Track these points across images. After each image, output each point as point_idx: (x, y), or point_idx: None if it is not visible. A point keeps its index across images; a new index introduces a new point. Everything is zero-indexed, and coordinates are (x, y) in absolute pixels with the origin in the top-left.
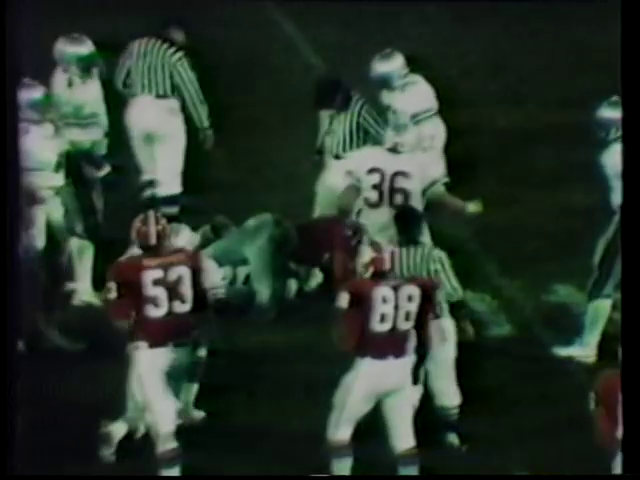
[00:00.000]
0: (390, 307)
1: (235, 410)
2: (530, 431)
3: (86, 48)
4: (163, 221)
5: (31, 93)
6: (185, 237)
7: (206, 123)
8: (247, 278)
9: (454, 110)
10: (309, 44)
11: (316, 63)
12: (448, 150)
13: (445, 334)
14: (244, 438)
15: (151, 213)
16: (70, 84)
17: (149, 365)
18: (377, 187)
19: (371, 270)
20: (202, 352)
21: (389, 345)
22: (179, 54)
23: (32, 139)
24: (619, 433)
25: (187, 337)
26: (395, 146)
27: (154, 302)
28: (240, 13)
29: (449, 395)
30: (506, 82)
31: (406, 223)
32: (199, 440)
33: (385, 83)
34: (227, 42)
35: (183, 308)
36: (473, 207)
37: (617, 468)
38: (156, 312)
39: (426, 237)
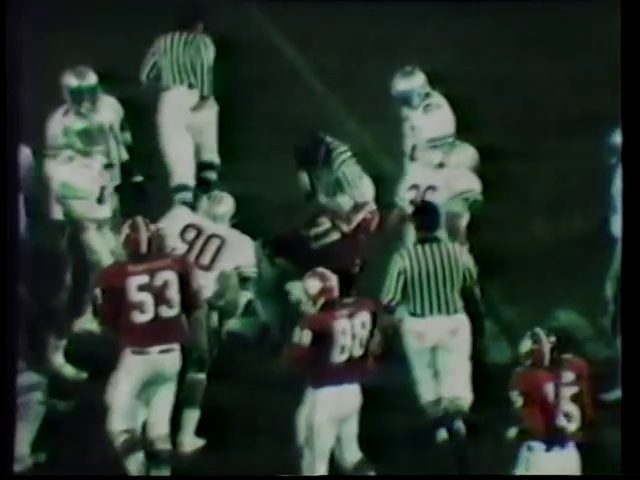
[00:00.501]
0: (348, 338)
1: (236, 437)
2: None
3: (77, 81)
4: (153, 227)
5: (77, 122)
6: (227, 205)
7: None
8: (249, 303)
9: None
10: (310, 69)
11: (317, 88)
12: None
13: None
14: (244, 464)
15: (140, 219)
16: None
17: (129, 368)
18: (413, 202)
19: (321, 301)
20: (201, 376)
21: (346, 373)
22: (206, 38)
23: (73, 168)
24: (559, 420)
25: (175, 341)
26: (441, 164)
27: (140, 307)
28: (241, 38)
29: (463, 387)
30: (506, 107)
31: (424, 219)
32: (198, 468)
33: (406, 101)
34: (228, 67)
35: (170, 313)
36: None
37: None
38: (142, 317)
39: (443, 232)
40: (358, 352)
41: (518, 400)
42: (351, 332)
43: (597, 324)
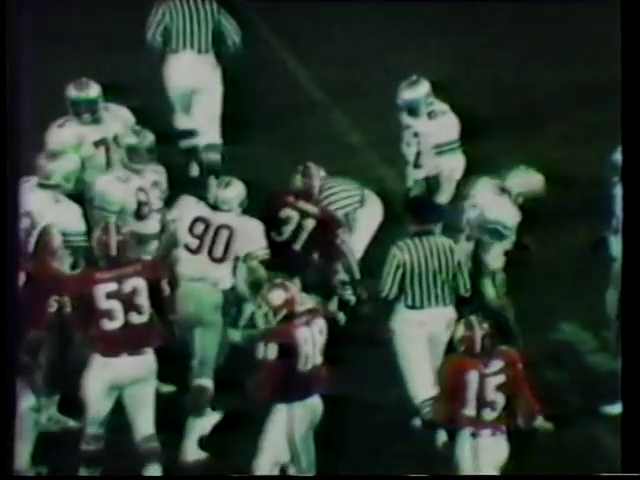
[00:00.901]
0: (310, 346)
1: (240, 450)
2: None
3: (77, 92)
4: (124, 230)
5: (128, 138)
6: (236, 189)
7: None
8: (251, 315)
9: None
10: (312, 81)
11: (320, 100)
12: None
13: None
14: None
15: (112, 223)
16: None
17: (99, 372)
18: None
19: (284, 312)
20: (207, 384)
21: (313, 383)
22: (217, 4)
23: (110, 180)
24: (467, 411)
25: (146, 347)
26: (503, 189)
27: (108, 315)
28: (243, 50)
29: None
30: (508, 119)
31: (419, 212)
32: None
33: (411, 110)
34: (231, 79)
35: (140, 319)
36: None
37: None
38: (111, 325)
39: (437, 227)
40: (319, 360)
41: (437, 389)
42: (312, 340)
43: (600, 337)
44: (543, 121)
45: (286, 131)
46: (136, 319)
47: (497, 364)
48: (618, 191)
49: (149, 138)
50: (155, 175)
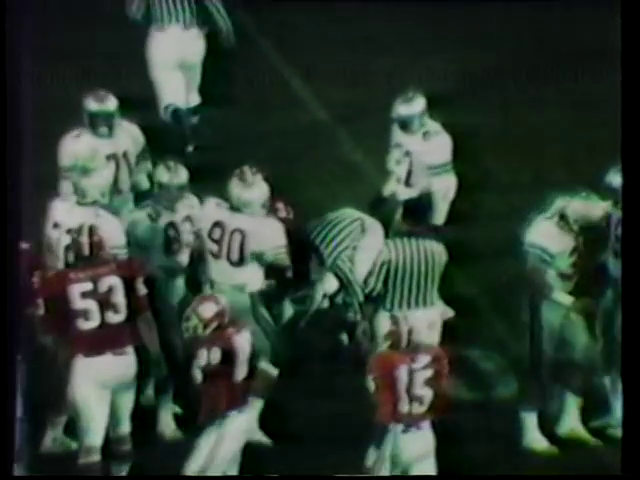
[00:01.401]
0: (246, 354)
1: None
2: None
3: (97, 104)
4: (101, 231)
5: (164, 175)
6: (257, 191)
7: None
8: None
9: (458, 165)
10: (316, 99)
11: (323, 119)
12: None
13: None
14: None
15: (86, 224)
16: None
17: (83, 376)
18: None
19: (214, 325)
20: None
21: (248, 393)
22: None
23: (138, 217)
24: (402, 406)
25: (125, 346)
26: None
27: (84, 315)
28: (247, 69)
29: None
30: (511, 139)
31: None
32: None
33: (405, 126)
34: (234, 98)
35: (117, 318)
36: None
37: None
38: (87, 325)
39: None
40: (248, 371)
41: (371, 385)
42: (244, 349)
43: (601, 357)
44: (544, 140)
45: (289, 149)
46: (113, 318)
47: (424, 359)
48: (616, 212)
49: (182, 175)
50: (188, 210)
